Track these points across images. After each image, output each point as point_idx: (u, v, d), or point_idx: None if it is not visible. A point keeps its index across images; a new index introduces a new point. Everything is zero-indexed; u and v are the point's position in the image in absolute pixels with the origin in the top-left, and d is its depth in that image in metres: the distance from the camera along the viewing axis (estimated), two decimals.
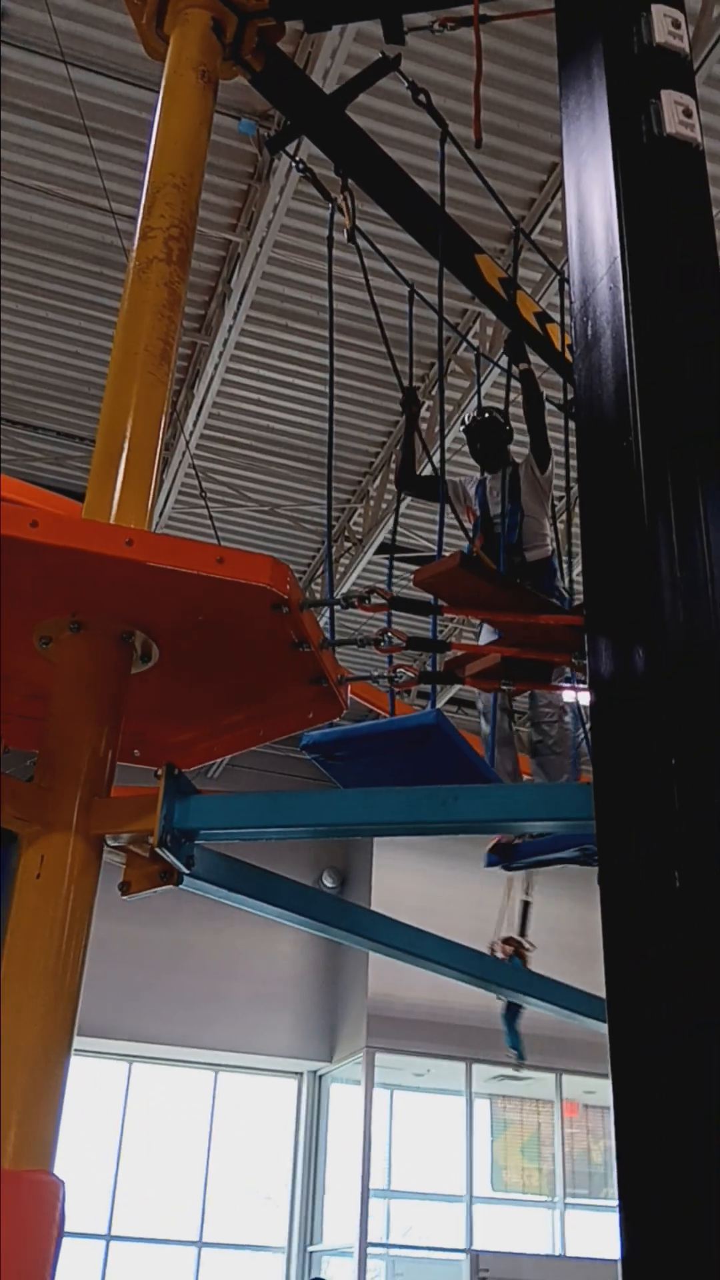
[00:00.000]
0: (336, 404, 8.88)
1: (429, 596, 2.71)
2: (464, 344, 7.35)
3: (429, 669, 3.17)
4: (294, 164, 4.88)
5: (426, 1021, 11.89)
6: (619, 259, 2.47)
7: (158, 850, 2.58)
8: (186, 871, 2.67)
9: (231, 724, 3.21)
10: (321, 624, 3.37)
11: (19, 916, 2.57)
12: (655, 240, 2.47)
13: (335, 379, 8.53)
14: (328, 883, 13.01)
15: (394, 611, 2.59)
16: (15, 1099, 2.40)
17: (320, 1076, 13.03)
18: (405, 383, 4.66)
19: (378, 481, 9.37)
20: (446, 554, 3.97)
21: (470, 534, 4.72)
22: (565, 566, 4.62)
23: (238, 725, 3.21)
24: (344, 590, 8.97)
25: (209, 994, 12.23)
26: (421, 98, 4.19)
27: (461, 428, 5.25)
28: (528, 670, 2.75)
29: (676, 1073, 1.68)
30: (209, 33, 3.81)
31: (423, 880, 11.91)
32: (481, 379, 6.73)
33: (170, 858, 2.62)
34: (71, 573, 2.65)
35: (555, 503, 4.96)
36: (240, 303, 7.66)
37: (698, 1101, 1.58)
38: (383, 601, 2.57)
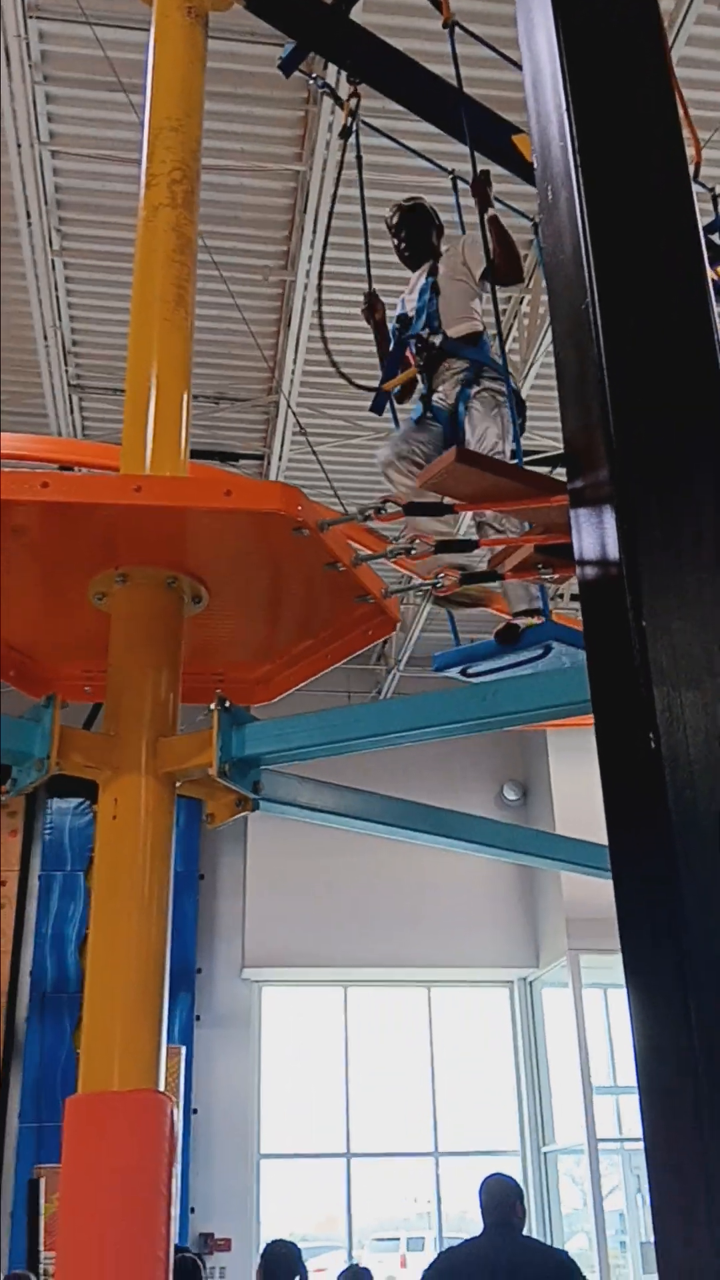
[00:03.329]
0: None
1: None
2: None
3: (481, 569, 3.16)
4: (310, 81, 4.81)
5: None
6: (565, 112, 2.36)
7: (219, 780, 2.68)
8: (255, 797, 2.76)
9: (300, 652, 3.28)
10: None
11: (102, 856, 2.72)
12: (600, 86, 2.35)
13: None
14: (510, 795, 13.06)
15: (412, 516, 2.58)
16: (116, 1026, 2.56)
17: (530, 983, 13.19)
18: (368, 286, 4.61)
19: None
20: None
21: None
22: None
23: (306, 653, 3.27)
24: None
25: (412, 914, 12.50)
26: None
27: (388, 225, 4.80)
28: (566, 553, 2.69)
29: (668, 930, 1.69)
30: None
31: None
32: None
33: (234, 786, 2.71)
34: (101, 527, 2.74)
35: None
36: (315, 231, 7.60)
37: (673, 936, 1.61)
38: (397, 509, 2.56)
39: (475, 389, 4.01)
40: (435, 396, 4.10)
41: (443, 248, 4.62)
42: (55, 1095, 10.13)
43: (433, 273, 4.33)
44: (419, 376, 4.19)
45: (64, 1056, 10.48)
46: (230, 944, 12.35)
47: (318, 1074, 12.62)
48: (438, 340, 4.09)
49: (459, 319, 4.17)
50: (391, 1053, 12.95)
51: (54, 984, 10.90)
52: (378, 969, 12.71)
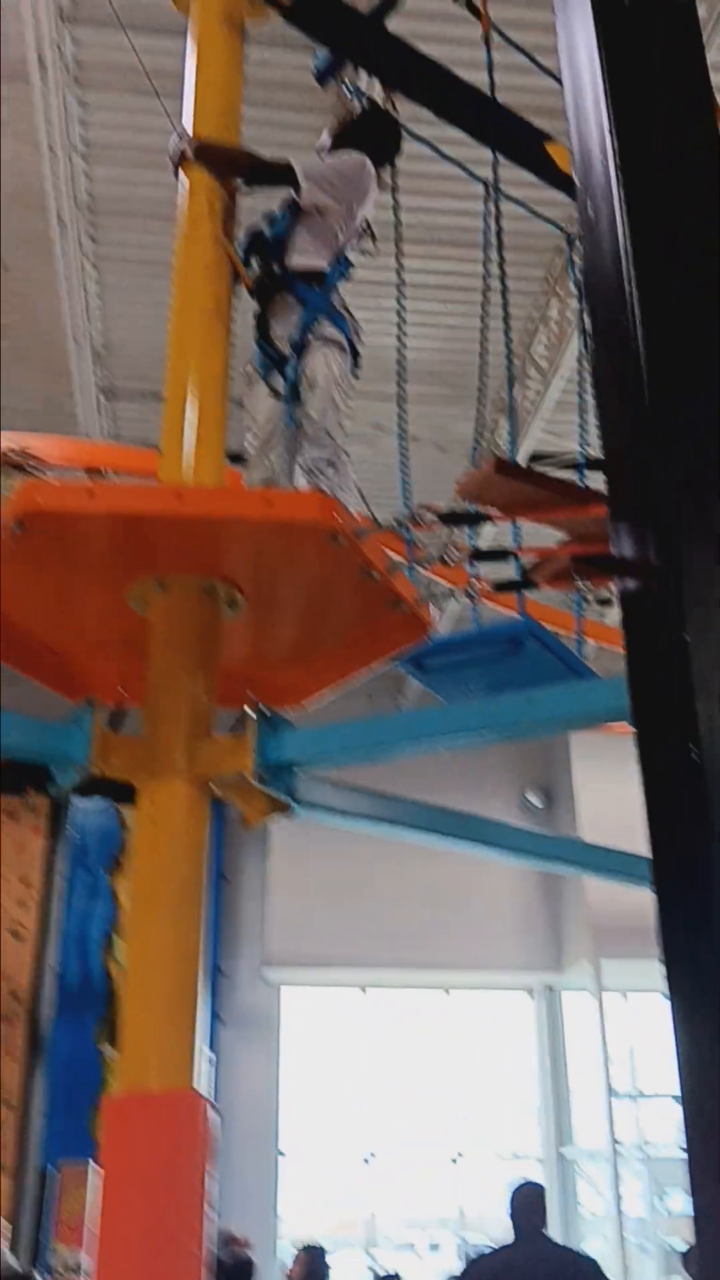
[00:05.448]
0: (458, 321, 8.80)
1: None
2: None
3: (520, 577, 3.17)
4: (347, 91, 4.83)
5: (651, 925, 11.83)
6: (608, 131, 2.38)
7: (256, 786, 2.71)
8: (291, 802, 2.79)
9: (332, 659, 3.31)
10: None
11: (140, 859, 2.76)
12: (643, 106, 2.37)
13: (453, 297, 8.43)
14: (532, 799, 13.03)
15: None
16: (152, 1027, 2.59)
17: (552, 987, 13.18)
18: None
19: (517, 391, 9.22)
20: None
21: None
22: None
23: (338, 659, 3.30)
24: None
25: (435, 917, 12.51)
26: None
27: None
28: (603, 564, 2.71)
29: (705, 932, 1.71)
30: None
31: (631, 789, 11.80)
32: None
33: (271, 791, 2.74)
34: (142, 534, 2.78)
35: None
36: None
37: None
38: (434, 518, 2.59)
39: (311, 336, 3.51)
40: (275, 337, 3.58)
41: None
42: (79, 1093, 10.20)
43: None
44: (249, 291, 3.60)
45: (87, 1054, 10.55)
46: (252, 945, 12.40)
47: (338, 1074, 12.65)
48: (277, 267, 3.55)
49: (304, 250, 3.62)
50: (412, 1054, 12.97)
51: (77, 983, 10.98)
52: (399, 970, 12.73)
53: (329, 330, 3.56)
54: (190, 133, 3.52)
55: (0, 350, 8.67)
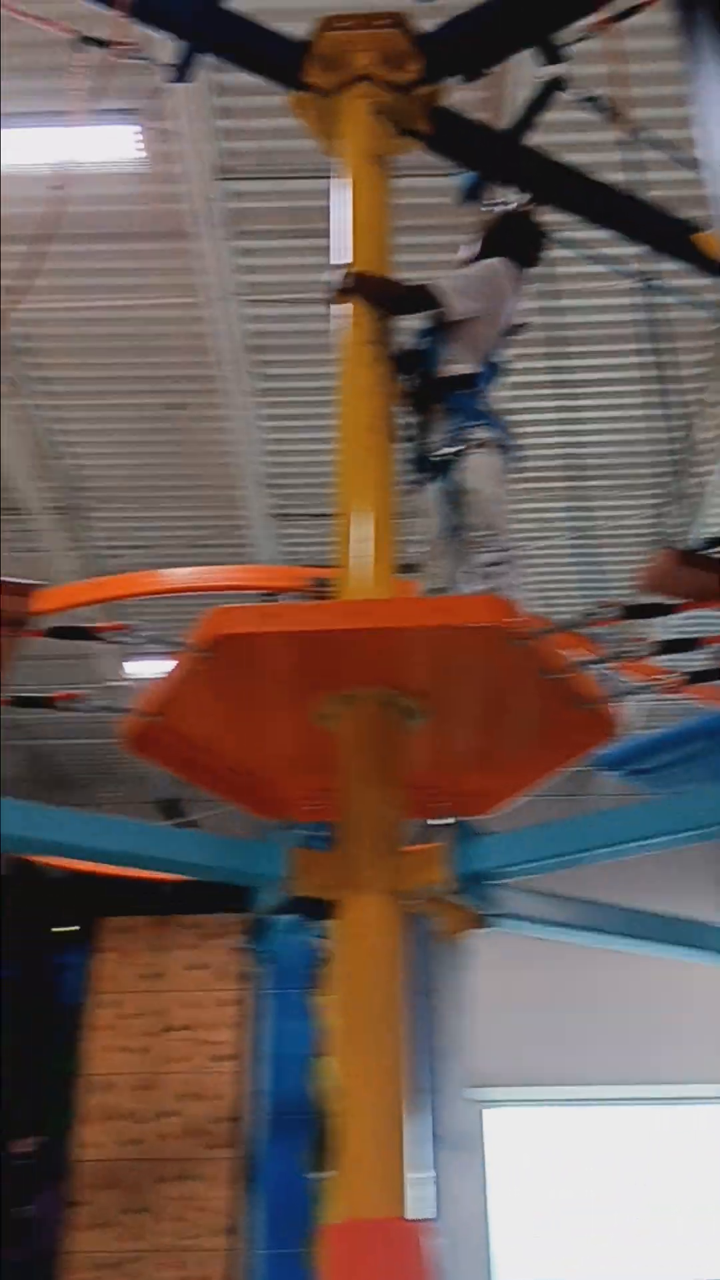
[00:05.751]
0: (617, 414, 8.78)
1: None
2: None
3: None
4: (492, 208, 4.96)
5: None
6: None
7: (453, 898, 2.67)
8: (489, 914, 2.74)
9: (520, 762, 3.26)
10: None
11: (339, 977, 2.73)
12: None
13: (612, 391, 8.44)
14: None
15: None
16: (361, 1149, 2.53)
17: None
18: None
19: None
20: None
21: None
22: None
23: (526, 762, 3.25)
24: None
25: (644, 1029, 11.99)
26: (599, 104, 4.16)
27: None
28: None
29: None
30: (372, 118, 4.00)
31: None
32: None
33: (468, 902, 2.69)
34: (324, 651, 2.83)
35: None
36: None
37: None
38: (615, 614, 2.55)
39: (465, 442, 3.58)
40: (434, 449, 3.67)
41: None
42: (290, 1219, 10.00)
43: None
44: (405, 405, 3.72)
45: (297, 1179, 10.37)
46: (455, 1063, 12.09)
47: (549, 1198, 12.09)
48: (431, 378, 3.70)
49: (453, 359, 3.76)
50: (627, 1175, 12.30)
51: (283, 1105, 10.86)
52: (612, 1087, 12.19)
53: (482, 433, 3.64)
54: (345, 266, 3.68)
55: (174, 483, 9.14)
